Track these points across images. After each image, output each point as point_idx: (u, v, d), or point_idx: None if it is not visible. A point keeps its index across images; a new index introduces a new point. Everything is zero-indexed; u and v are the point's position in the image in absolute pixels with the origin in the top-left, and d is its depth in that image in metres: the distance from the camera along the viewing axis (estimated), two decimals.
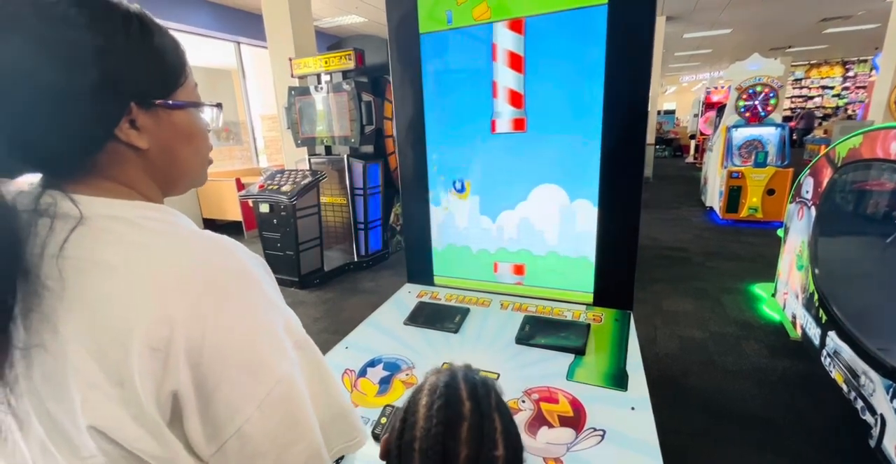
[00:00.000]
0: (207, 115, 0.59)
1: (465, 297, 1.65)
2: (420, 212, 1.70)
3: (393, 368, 1.33)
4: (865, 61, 14.61)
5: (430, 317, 1.53)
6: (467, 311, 1.55)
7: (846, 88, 15.10)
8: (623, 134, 1.32)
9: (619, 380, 1.17)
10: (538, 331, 1.39)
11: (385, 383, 1.28)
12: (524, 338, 1.37)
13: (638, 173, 1.31)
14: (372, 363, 1.36)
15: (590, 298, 1.52)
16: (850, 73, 14.97)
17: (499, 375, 1.25)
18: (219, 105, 0.60)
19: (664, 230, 5.00)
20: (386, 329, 1.51)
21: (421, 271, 1.76)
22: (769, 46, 11.66)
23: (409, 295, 1.70)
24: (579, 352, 1.28)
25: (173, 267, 0.44)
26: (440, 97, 1.58)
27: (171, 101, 0.51)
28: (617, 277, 1.45)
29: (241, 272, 0.48)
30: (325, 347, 1.52)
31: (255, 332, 0.46)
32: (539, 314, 1.50)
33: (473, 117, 1.55)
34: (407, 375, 1.30)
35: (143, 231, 0.46)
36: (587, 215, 1.45)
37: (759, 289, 3.23)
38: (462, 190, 1.63)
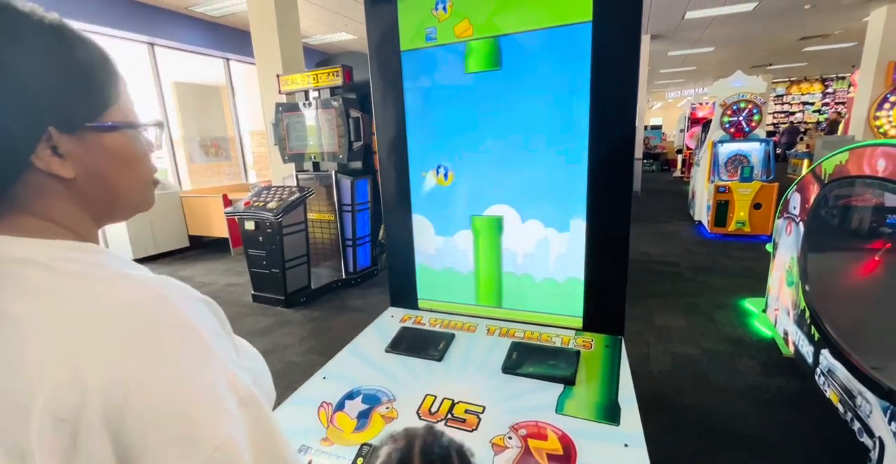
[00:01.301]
0: (150, 133, 0.52)
1: (451, 321, 1.58)
2: (404, 233, 1.64)
3: (372, 400, 1.24)
4: (843, 78, 15.02)
5: (414, 344, 1.46)
6: (452, 337, 1.48)
7: (826, 104, 15.47)
8: (610, 153, 1.28)
9: (611, 413, 1.10)
10: (526, 359, 1.32)
11: (363, 417, 1.20)
12: (511, 367, 1.30)
13: (626, 193, 1.26)
14: (350, 395, 1.27)
15: (579, 323, 1.46)
16: (830, 90, 15.37)
17: (484, 408, 1.17)
18: (159, 124, 0.54)
19: (655, 244, 4.99)
20: (366, 357, 1.43)
21: (405, 295, 1.70)
22: (751, 64, 11.94)
23: (391, 320, 1.63)
24: (569, 382, 1.21)
25: (87, 318, 0.37)
26: (423, 115, 1.53)
27: (100, 123, 0.45)
28: (607, 302, 1.40)
29: (174, 322, 0.41)
30: (311, 368, 1.45)
31: (189, 392, 0.39)
32: (527, 340, 1.43)
33: (457, 135, 1.50)
34: (387, 408, 1.21)
35: (56, 276, 0.40)
36: (575, 237, 1.40)
37: (750, 304, 3.19)
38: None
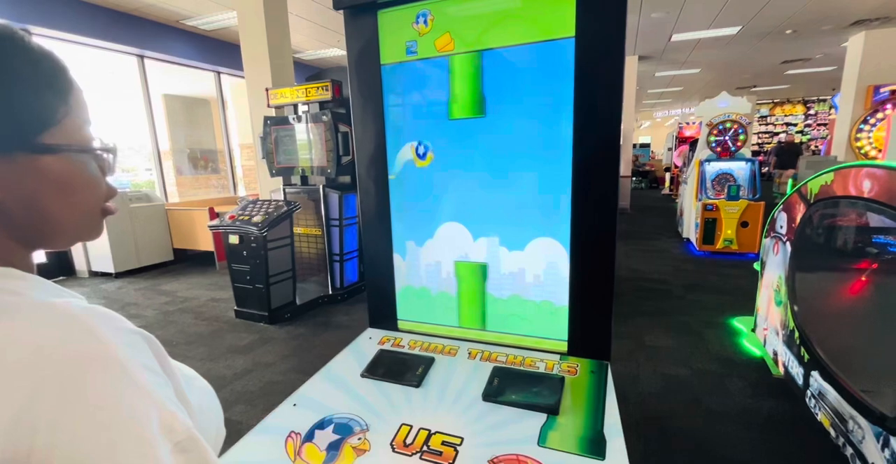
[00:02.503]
0: (104, 157, 0.46)
1: (431, 344, 1.51)
2: (382, 251, 1.58)
3: (344, 431, 1.16)
4: (825, 101, 15.44)
5: (391, 368, 1.39)
6: (432, 361, 1.42)
7: (808, 125, 15.86)
8: (594, 171, 1.24)
9: (596, 446, 1.03)
10: (508, 385, 1.26)
11: (333, 448, 1.12)
12: (492, 394, 1.23)
13: (611, 213, 1.22)
14: (321, 424, 1.19)
15: (564, 347, 1.41)
16: (811, 112, 15.78)
17: (462, 439, 1.09)
18: (109, 150, 0.47)
19: (644, 262, 4.97)
20: (341, 382, 1.35)
21: (384, 315, 1.64)
22: (736, 85, 12.24)
23: (369, 342, 1.56)
24: (552, 411, 1.15)
25: None
26: (402, 130, 1.49)
27: (34, 145, 0.40)
28: (592, 325, 1.35)
29: (97, 359, 0.35)
30: (291, 388, 1.37)
31: (112, 441, 0.33)
32: (509, 365, 1.37)
33: (438, 151, 1.47)
34: (359, 439, 1.13)
35: None
36: (559, 257, 1.35)
37: (739, 323, 3.16)
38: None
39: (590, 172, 1.25)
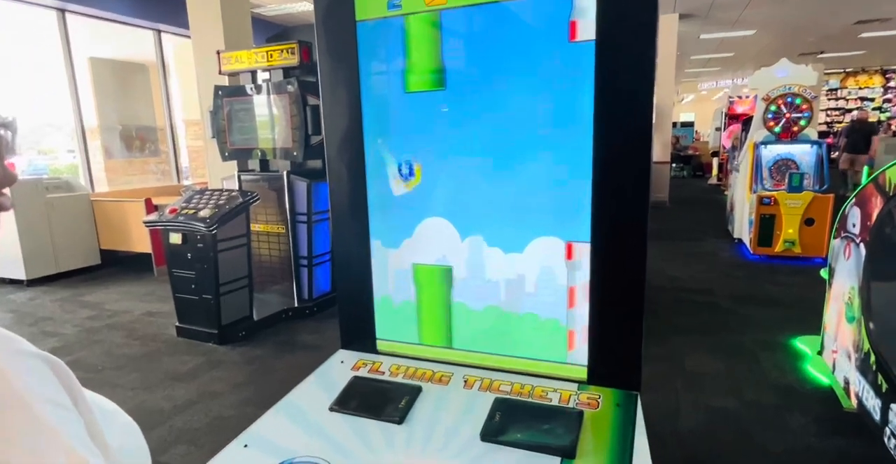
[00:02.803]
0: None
1: (417, 370, 1.51)
2: (358, 253, 1.58)
3: None
4: None
5: (367, 400, 1.40)
6: (418, 390, 1.42)
7: (888, 100, 15.93)
8: (621, 158, 1.24)
9: None
10: (513, 421, 1.26)
11: None
12: (493, 432, 1.23)
13: (641, 209, 1.22)
14: None
15: (583, 374, 1.41)
16: (892, 83, 15.85)
17: None
18: (5, 124, 0.46)
19: (685, 267, 4.99)
20: (304, 418, 1.35)
21: (359, 335, 1.64)
22: (799, 51, 12.29)
23: (341, 367, 1.56)
24: (567, 454, 1.15)
25: None
26: (383, 104, 1.48)
27: None
28: (618, 347, 1.35)
29: None
30: (246, 422, 1.36)
31: None
32: (515, 396, 1.37)
33: (428, 132, 1.46)
34: None
35: None
36: (578, 264, 1.35)
37: (802, 344, 3.17)
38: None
39: (615, 159, 1.25)
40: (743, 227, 5.78)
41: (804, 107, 5.40)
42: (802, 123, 5.40)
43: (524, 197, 1.39)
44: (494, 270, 1.47)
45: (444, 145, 1.46)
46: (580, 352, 1.40)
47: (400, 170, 1.50)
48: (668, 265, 5.02)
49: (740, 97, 11.02)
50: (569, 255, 1.37)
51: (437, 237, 1.50)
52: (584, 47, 1.25)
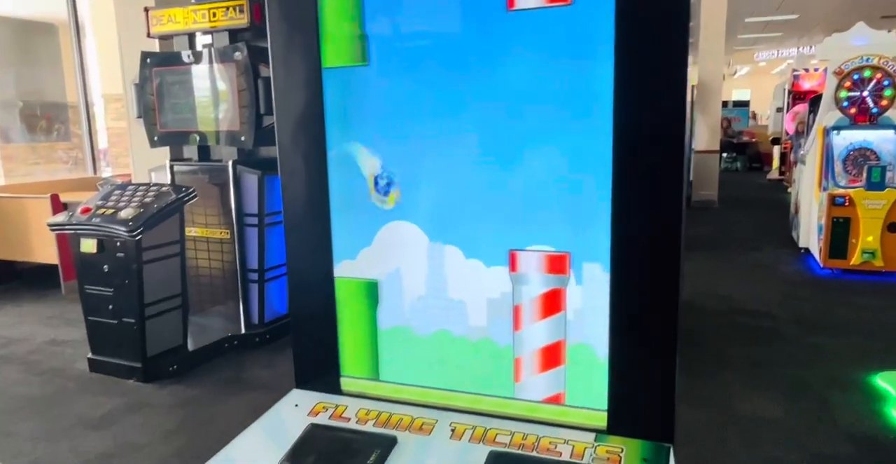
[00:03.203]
0: None
1: (392, 416, 1.52)
2: (317, 266, 1.60)
3: None
4: None
5: (328, 455, 1.40)
6: (393, 442, 1.42)
7: None
8: (648, 150, 1.25)
9: None
10: None
11: None
12: None
13: (674, 213, 1.23)
14: None
15: (602, 421, 1.42)
16: None
17: None
18: None
19: (738, 285, 5.00)
20: None
21: (318, 370, 1.65)
22: (881, 13, 12.42)
23: (295, 412, 1.56)
24: None
25: None
26: (354, 78, 1.50)
27: None
28: (646, 387, 1.36)
29: None
30: None
31: None
32: (514, 450, 1.37)
33: (407, 115, 1.49)
34: None
35: None
36: (592, 285, 1.37)
37: (885, 381, 3.19)
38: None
39: (640, 152, 1.26)
40: (810, 233, 5.81)
41: (886, 83, 5.45)
42: (888, 93, 5.43)
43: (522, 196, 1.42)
44: (479, 289, 1.50)
45: (427, 131, 1.48)
46: (598, 392, 1.41)
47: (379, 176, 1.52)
48: (717, 282, 5.03)
49: (807, 70, 11.13)
50: (585, 274, 1.38)
51: (402, 245, 1.54)
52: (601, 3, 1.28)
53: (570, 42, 1.34)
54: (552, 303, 1.47)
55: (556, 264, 1.43)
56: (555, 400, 1.49)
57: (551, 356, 1.48)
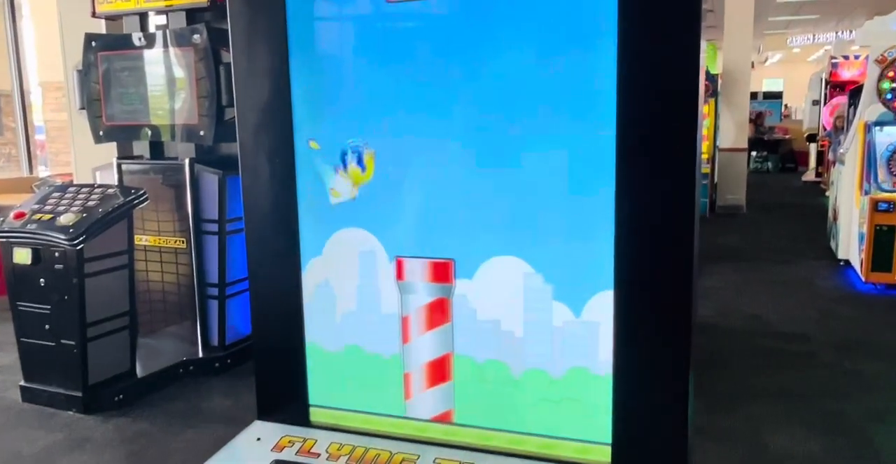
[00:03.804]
0: None
1: (368, 451, 1.52)
2: (282, 281, 1.61)
3: None
4: None
5: None
6: None
7: None
8: (656, 154, 1.28)
9: None
10: None
11: None
12: None
13: (686, 216, 1.24)
14: None
15: (606, 456, 1.42)
16: None
17: None
18: None
19: (770, 302, 5.01)
20: None
21: (283, 399, 1.66)
22: None
23: (257, 446, 1.56)
24: None
25: None
26: (322, 64, 1.52)
27: None
28: (656, 417, 1.37)
29: None
30: None
31: None
32: None
33: (387, 104, 1.50)
34: None
35: None
36: (597, 302, 1.38)
37: None
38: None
39: (647, 157, 1.28)
40: (851, 243, 5.84)
41: None
42: None
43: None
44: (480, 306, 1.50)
45: (408, 125, 1.49)
46: (601, 424, 1.41)
47: (344, 160, 1.53)
48: (745, 299, 5.05)
49: (846, 58, 11.22)
50: (581, 293, 1.40)
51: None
52: None
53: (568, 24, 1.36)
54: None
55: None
56: (551, 433, 1.50)
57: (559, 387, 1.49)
